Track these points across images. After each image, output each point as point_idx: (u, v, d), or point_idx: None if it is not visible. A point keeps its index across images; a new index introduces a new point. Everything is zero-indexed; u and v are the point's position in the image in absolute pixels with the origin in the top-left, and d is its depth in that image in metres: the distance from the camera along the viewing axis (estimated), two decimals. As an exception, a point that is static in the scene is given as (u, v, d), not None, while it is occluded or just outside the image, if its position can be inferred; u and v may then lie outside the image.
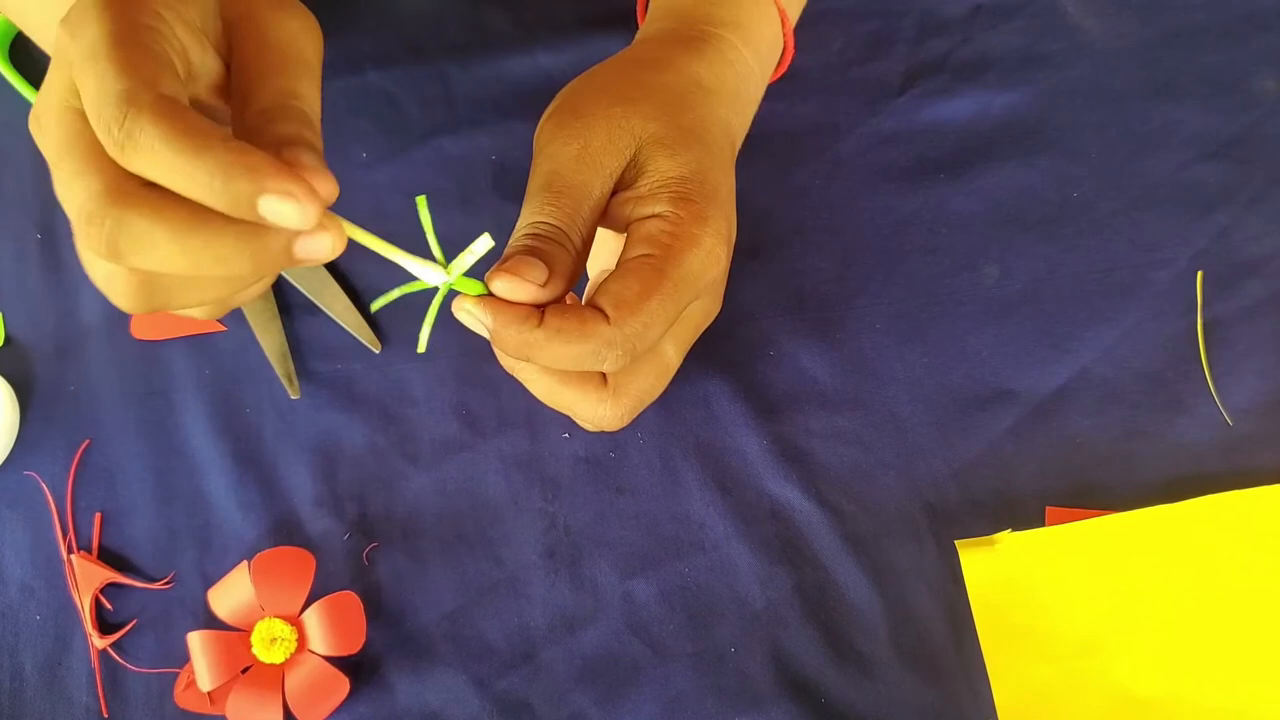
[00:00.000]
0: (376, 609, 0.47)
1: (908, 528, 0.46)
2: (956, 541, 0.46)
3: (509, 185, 0.53)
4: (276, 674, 0.44)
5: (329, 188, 0.31)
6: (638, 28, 0.47)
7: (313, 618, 0.45)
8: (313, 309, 0.51)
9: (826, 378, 0.49)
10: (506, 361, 0.39)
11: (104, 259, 0.29)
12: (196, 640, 0.44)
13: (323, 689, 0.44)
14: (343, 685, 0.44)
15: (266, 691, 0.44)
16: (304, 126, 0.32)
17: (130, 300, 0.32)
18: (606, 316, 0.35)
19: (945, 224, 0.51)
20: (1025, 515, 0.46)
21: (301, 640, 0.45)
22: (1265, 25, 0.53)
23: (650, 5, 0.45)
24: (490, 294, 0.35)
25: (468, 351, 0.50)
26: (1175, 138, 0.52)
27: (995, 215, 0.51)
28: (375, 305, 0.35)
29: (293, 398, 0.50)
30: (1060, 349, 0.49)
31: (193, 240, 0.29)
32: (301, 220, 0.29)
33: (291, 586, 0.45)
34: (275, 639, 0.44)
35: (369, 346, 0.51)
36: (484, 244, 0.34)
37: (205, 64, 0.34)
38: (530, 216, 0.36)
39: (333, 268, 0.52)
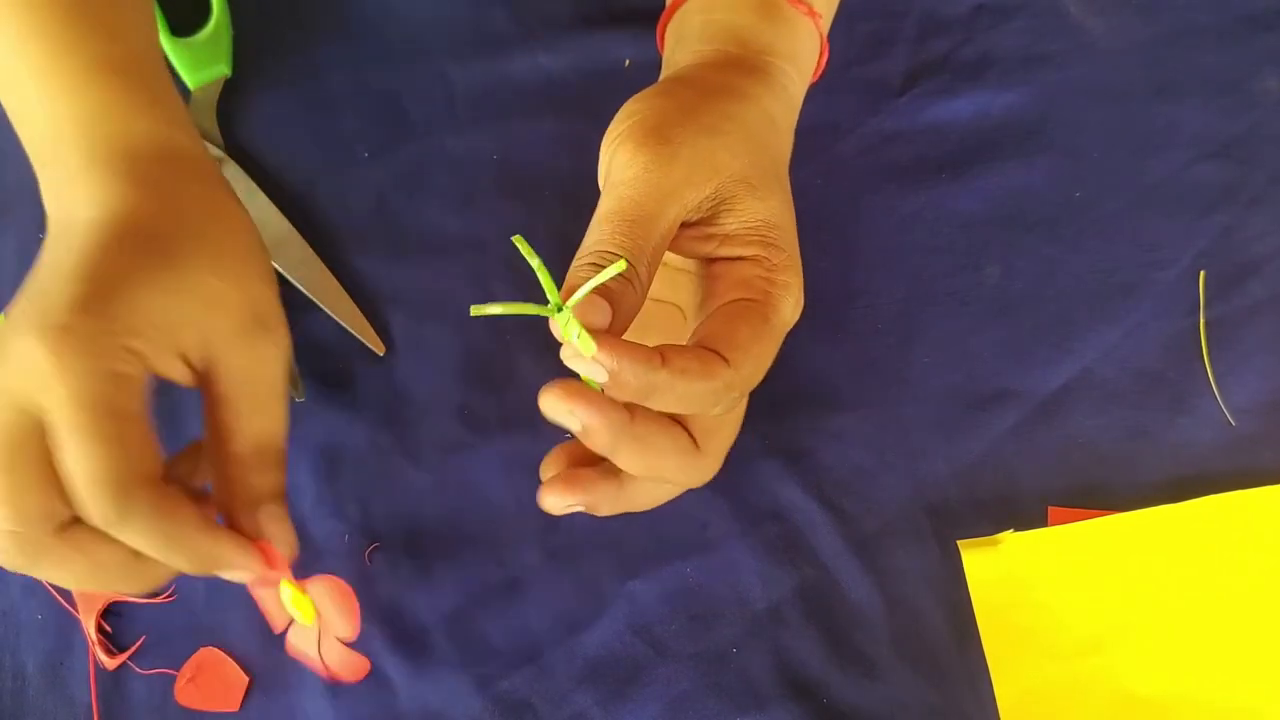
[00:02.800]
0: (378, 609, 0.47)
1: (910, 528, 0.46)
2: (959, 541, 0.46)
3: (510, 184, 0.53)
4: (311, 632, 0.42)
5: (290, 544, 0.38)
6: (644, 29, 0.47)
7: (316, 594, 0.42)
8: (315, 309, 0.51)
9: (828, 377, 0.49)
10: (606, 447, 0.36)
11: (11, 567, 0.34)
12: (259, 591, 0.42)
13: (350, 662, 0.42)
14: (364, 663, 0.43)
15: (310, 640, 0.42)
16: (278, 477, 0.38)
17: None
18: (724, 359, 0.34)
19: (947, 224, 0.51)
20: (1028, 515, 0.46)
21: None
22: (1267, 25, 0.53)
23: (694, 21, 0.43)
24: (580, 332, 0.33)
25: (470, 352, 0.50)
26: (1177, 137, 0.52)
27: (997, 215, 0.51)
28: (476, 311, 0.33)
29: (298, 400, 0.50)
30: (1062, 349, 0.49)
31: (93, 581, 0.35)
32: (252, 580, 0.37)
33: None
34: (303, 601, 0.41)
35: (372, 348, 0.50)
36: (615, 269, 0.33)
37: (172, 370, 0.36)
38: (601, 244, 0.34)
39: (335, 269, 0.52)
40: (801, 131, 0.53)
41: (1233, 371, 0.48)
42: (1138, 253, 0.50)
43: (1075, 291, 0.50)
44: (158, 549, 0.34)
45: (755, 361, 0.35)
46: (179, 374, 0.36)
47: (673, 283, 0.43)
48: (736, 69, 0.40)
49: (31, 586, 0.48)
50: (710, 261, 0.38)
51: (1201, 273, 0.49)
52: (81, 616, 0.47)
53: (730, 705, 0.44)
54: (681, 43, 0.43)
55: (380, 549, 0.48)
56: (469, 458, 0.49)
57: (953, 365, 0.49)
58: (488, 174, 0.54)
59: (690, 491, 0.47)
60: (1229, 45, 0.53)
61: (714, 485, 0.47)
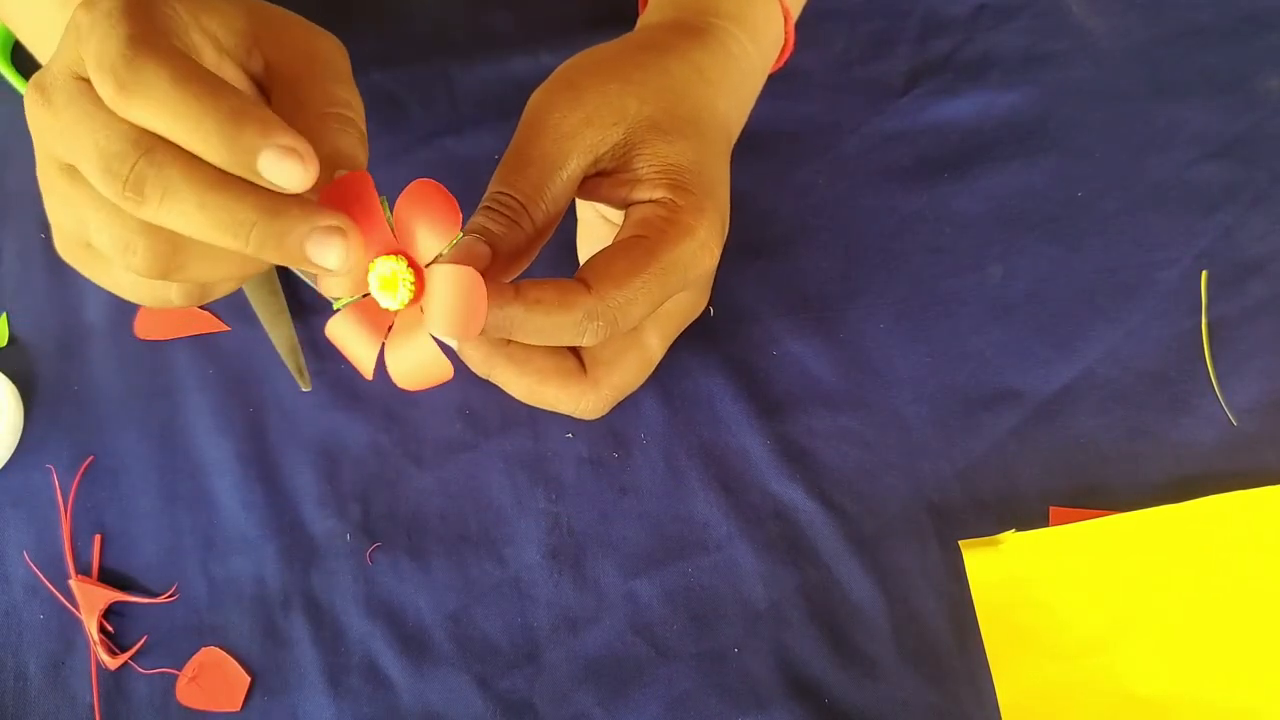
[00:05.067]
0: (379, 609, 0.47)
1: (911, 528, 0.46)
2: (960, 542, 0.46)
3: (512, 185, 0.53)
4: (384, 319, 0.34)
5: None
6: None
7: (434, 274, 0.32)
8: (316, 308, 0.51)
9: (830, 377, 0.49)
10: (480, 365, 0.38)
11: (128, 200, 0.28)
12: None
13: (427, 366, 0.34)
14: (444, 369, 0.33)
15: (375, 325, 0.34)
16: (359, 144, 0.33)
17: (145, 261, 0.29)
18: (588, 287, 0.34)
19: (949, 223, 0.51)
20: (1029, 515, 0.46)
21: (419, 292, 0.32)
22: (1269, 25, 0.53)
23: None
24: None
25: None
26: (1179, 137, 0.52)
27: (999, 215, 0.51)
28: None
29: (304, 390, 0.50)
30: (1064, 349, 0.49)
31: (214, 198, 0.27)
32: (303, 180, 0.28)
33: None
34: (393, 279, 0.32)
35: None
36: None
37: (221, 72, 0.34)
38: (494, 185, 0.36)
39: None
40: (804, 131, 0.53)
41: (1235, 371, 0.47)
42: (1139, 252, 0.50)
43: (1077, 291, 0.49)
44: (183, 115, 0.27)
45: (627, 293, 0.34)
46: (221, 55, 0.34)
47: None
48: (673, 29, 0.42)
49: (34, 587, 0.48)
50: (628, 207, 0.38)
51: (1203, 272, 0.49)
52: (83, 616, 0.47)
53: (732, 705, 0.44)
54: (644, 15, 0.45)
55: (381, 548, 0.48)
56: (470, 457, 0.49)
57: (954, 365, 0.49)
58: (490, 174, 0.53)
59: (691, 492, 0.48)
60: (1230, 45, 0.53)
61: (715, 485, 0.47)
